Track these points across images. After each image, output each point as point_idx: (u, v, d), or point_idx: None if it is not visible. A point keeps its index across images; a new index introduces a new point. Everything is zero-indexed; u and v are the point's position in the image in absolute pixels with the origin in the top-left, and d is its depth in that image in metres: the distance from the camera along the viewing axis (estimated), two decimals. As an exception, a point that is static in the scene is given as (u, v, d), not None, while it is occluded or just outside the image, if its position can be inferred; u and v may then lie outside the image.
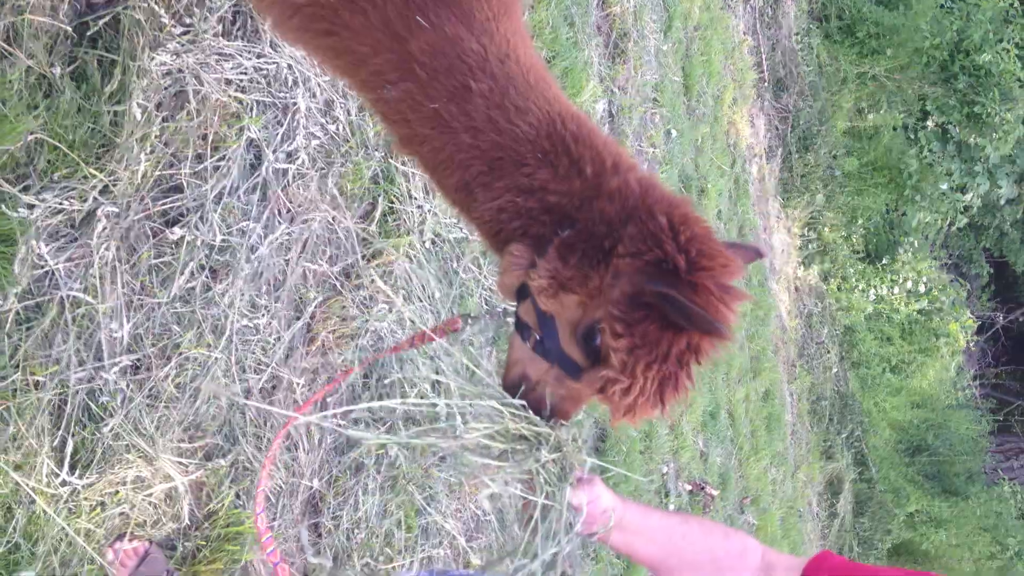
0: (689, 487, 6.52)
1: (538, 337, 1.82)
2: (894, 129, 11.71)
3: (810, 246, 10.82)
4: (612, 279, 1.70)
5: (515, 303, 1.91)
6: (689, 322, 1.64)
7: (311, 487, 3.28)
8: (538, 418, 1.87)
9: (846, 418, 11.11)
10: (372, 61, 1.93)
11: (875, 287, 11.94)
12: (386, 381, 3.47)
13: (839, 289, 11.44)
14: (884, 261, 12.12)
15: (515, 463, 1.86)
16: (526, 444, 1.87)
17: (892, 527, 10.95)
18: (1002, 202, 12.95)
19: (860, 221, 11.55)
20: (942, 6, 11.98)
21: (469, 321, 2.16)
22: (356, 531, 3.42)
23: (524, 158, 1.84)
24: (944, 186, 11.76)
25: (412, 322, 3.68)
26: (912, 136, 12.02)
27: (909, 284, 12.16)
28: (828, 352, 11.00)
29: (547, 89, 1.91)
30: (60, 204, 2.48)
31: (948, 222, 12.58)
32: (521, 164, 1.84)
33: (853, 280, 11.60)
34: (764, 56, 9.82)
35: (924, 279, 12.33)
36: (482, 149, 1.87)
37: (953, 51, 11.85)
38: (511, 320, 1.98)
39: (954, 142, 11.99)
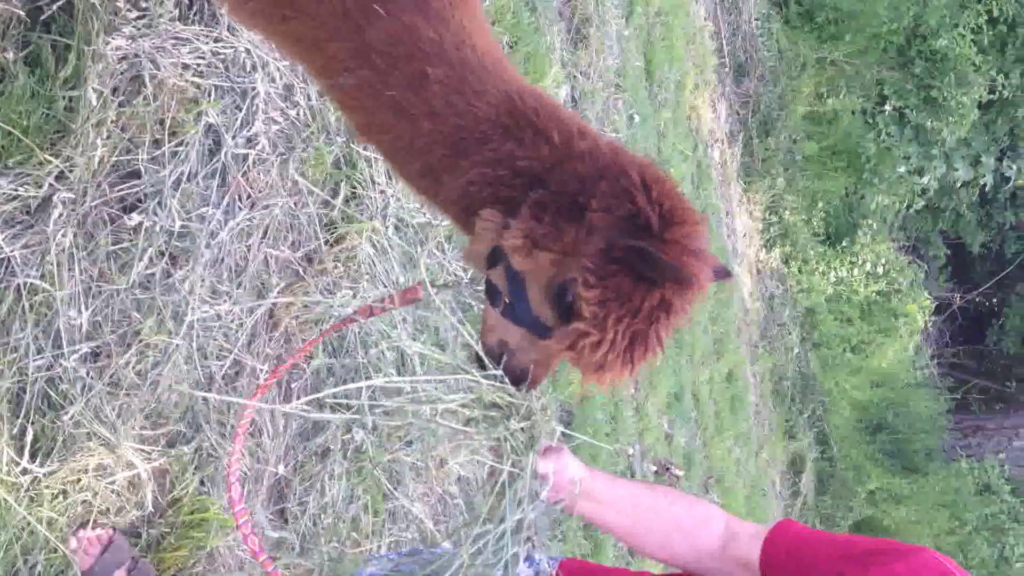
0: (654, 468, 6.59)
1: (508, 301, 1.84)
2: (853, 113, 11.85)
3: (771, 229, 10.94)
4: (586, 234, 1.72)
5: (485, 270, 1.92)
6: (661, 274, 1.66)
7: (276, 473, 3.28)
8: (510, 387, 1.89)
9: (807, 398, 11.27)
10: (329, 48, 1.94)
11: (835, 269, 12.09)
12: (353, 356, 3.48)
13: (800, 271, 11.58)
14: (843, 243, 12.29)
15: (483, 430, 1.88)
16: (496, 411, 1.89)
17: (853, 504, 11.13)
18: (958, 185, 13.16)
19: (820, 204, 11.69)
20: (899, -9, 12.12)
21: (435, 290, 2.17)
22: (323, 516, 3.42)
23: (488, 136, 1.85)
24: (902, 169, 11.93)
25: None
26: (870, 120, 12.16)
27: (868, 266, 12.33)
28: (789, 333, 11.14)
29: (503, 71, 1.92)
30: (15, 190, 2.45)
31: (906, 205, 12.76)
32: (485, 142, 1.85)
33: (813, 262, 11.75)
34: (725, 41, 9.89)
35: (883, 261, 12.50)
36: (444, 134, 1.88)
37: (910, 36, 12.01)
38: (479, 289, 2.00)
39: (911, 126, 12.16)
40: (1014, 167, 13.05)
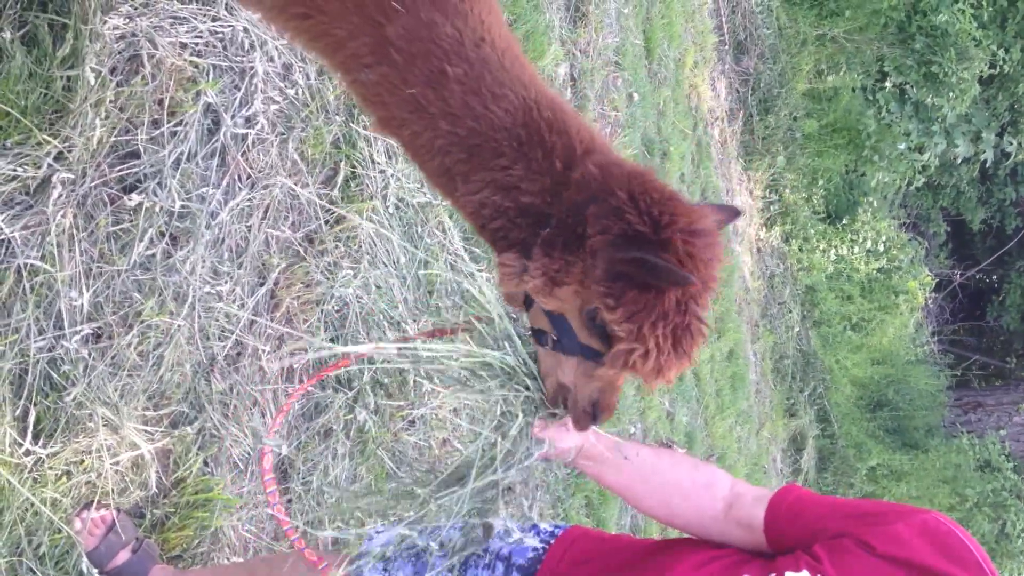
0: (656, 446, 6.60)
1: (555, 337, 1.88)
2: (853, 90, 11.79)
3: (772, 208, 10.91)
4: (591, 260, 1.75)
5: (524, 310, 1.97)
6: (661, 279, 1.70)
7: (280, 453, 3.29)
8: (531, 363, 1.98)
9: (808, 376, 11.28)
10: (349, 45, 1.93)
11: (835, 247, 12.07)
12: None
13: (800, 250, 11.56)
14: (844, 221, 12.26)
15: (489, 388, 1.97)
16: (506, 376, 1.99)
17: (854, 481, 11.16)
18: (958, 161, 13.12)
19: (820, 182, 11.65)
20: (898, -34, 12.02)
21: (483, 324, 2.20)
22: (326, 496, 3.43)
23: (501, 147, 1.86)
24: (902, 146, 11.88)
25: (377, 287, 3.68)
26: (871, 97, 12.11)
27: (869, 243, 12.30)
28: (790, 312, 11.13)
29: (522, 72, 1.92)
30: (14, 171, 2.44)
31: (906, 182, 12.73)
32: (498, 154, 1.86)
33: (814, 240, 11.73)
34: (724, 19, 9.83)
35: (883, 238, 12.47)
36: (460, 136, 1.89)
37: (910, 12, 11.93)
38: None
39: (912, 102, 12.10)
40: (1014, 143, 13.00)
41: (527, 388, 1.99)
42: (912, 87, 11.88)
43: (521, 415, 1.97)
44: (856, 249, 12.23)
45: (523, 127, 1.86)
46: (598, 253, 1.74)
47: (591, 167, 1.84)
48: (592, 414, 1.92)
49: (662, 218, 1.72)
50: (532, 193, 1.85)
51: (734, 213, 2.06)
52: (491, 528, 2.08)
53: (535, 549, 2.24)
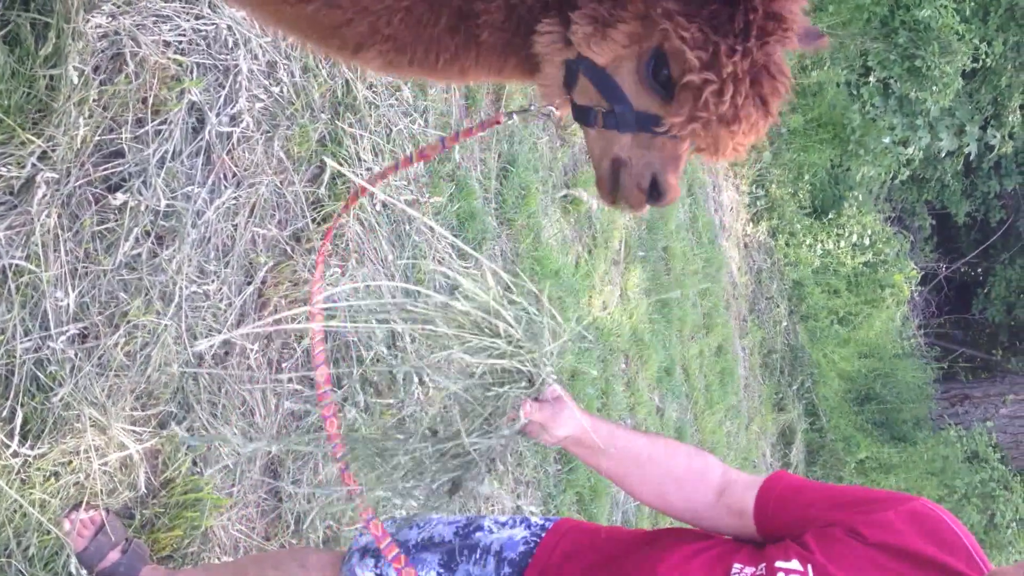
0: (646, 442, 6.60)
1: (605, 109, 1.70)
2: (837, 85, 11.82)
3: (758, 203, 10.94)
4: None
5: (567, 95, 1.78)
6: None
7: (269, 452, 3.28)
8: (523, 353, 1.93)
9: (796, 370, 11.32)
10: None
11: (822, 241, 12.09)
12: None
13: (787, 244, 11.59)
14: (830, 216, 12.28)
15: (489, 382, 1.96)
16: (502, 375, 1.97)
17: (843, 474, 11.21)
18: (943, 155, 13.16)
19: (806, 177, 11.68)
20: (881, -39, 12.07)
21: (513, 116, 2.04)
22: (316, 495, 3.43)
23: None
24: (887, 140, 11.91)
25: (367, 286, 3.67)
26: (855, 92, 12.14)
27: (854, 237, 12.32)
28: (778, 306, 11.17)
29: None
30: (-3, 171, 2.42)
31: (891, 176, 12.76)
32: None
33: (800, 235, 11.75)
34: (708, 14, 9.83)
35: (869, 232, 12.50)
36: None
37: (893, 7, 11.96)
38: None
39: (896, 96, 12.14)
40: (998, 136, 13.07)
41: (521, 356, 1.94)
42: (896, 81, 11.92)
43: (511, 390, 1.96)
44: (842, 243, 12.26)
45: None
46: None
47: None
48: (649, 191, 1.73)
49: None
50: None
51: (816, 35, 1.80)
52: (458, 487, 2.09)
53: (526, 542, 2.25)
